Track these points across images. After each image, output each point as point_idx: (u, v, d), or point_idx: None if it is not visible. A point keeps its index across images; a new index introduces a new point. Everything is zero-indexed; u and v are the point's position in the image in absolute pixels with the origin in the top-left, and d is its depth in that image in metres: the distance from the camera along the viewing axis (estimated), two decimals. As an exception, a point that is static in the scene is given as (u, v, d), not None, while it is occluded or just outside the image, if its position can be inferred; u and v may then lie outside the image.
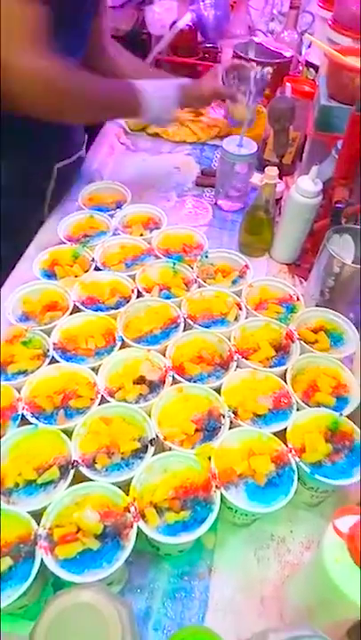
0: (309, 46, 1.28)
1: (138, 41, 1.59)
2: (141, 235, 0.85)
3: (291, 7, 1.27)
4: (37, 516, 0.50)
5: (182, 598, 0.54)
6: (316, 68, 1.15)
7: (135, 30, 1.62)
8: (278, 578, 0.55)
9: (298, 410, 0.60)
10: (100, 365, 0.63)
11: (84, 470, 0.53)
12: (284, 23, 1.35)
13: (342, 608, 0.43)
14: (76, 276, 0.77)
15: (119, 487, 0.52)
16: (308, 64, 1.19)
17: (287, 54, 1.21)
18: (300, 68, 1.25)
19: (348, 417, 0.59)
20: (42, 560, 0.47)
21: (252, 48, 1.23)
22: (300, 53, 1.29)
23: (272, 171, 0.83)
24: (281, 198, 0.96)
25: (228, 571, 0.56)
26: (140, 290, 0.75)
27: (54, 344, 0.66)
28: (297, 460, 0.55)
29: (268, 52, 1.23)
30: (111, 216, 0.88)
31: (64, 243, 0.83)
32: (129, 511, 0.50)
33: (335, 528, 0.43)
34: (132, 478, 0.52)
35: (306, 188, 0.81)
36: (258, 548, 0.58)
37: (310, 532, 0.58)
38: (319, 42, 1.00)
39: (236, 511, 0.53)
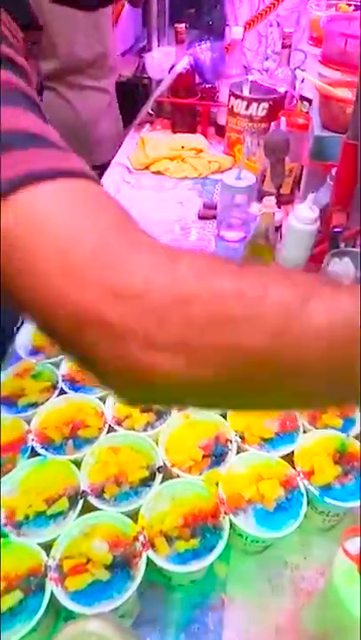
0: (303, 81, 1.33)
1: (139, 85, 1.68)
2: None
3: (283, 47, 1.32)
4: (48, 547, 0.50)
5: (196, 631, 0.53)
6: (310, 102, 1.19)
7: (136, 76, 1.71)
8: (293, 606, 0.54)
9: (305, 432, 0.60)
10: (107, 395, 0.64)
11: (92, 500, 0.54)
12: (277, 61, 1.41)
13: (357, 633, 0.42)
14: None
15: (128, 516, 0.52)
16: (302, 98, 1.23)
17: (281, 90, 1.26)
18: (295, 102, 1.29)
19: (355, 438, 0.59)
20: (52, 593, 0.47)
21: (247, 86, 1.28)
22: (295, 88, 1.34)
23: (270, 200, 0.85)
24: (281, 226, 0.99)
25: (242, 601, 0.55)
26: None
27: (63, 376, 0.67)
28: (306, 483, 0.54)
29: (263, 89, 1.28)
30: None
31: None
32: (138, 540, 0.50)
33: (344, 550, 0.42)
34: (140, 507, 0.52)
35: (303, 215, 0.83)
36: (271, 576, 0.57)
37: (325, 558, 0.57)
38: (310, 77, 1.04)
39: (246, 538, 0.53)
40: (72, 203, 0.29)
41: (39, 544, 0.50)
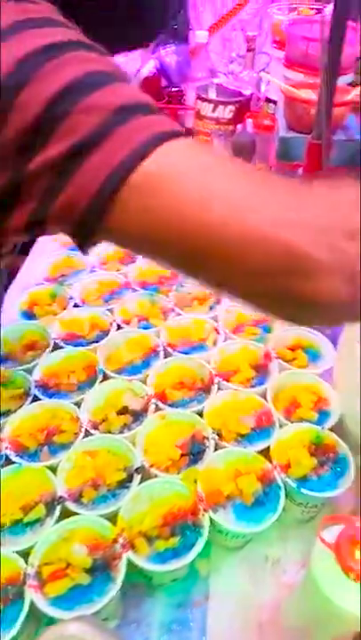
0: (268, 84, 1.35)
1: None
2: (118, 270, 0.87)
3: (247, 50, 1.34)
4: (25, 555, 0.49)
5: (179, 629, 0.52)
6: (275, 103, 1.21)
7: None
8: (275, 600, 0.54)
9: (281, 427, 0.61)
10: (82, 399, 0.64)
11: (70, 505, 0.53)
12: (242, 64, 1.43)
13: (337, 622, 0.43)
14: (55, 315, 0.78)
15: (107, 519, 0.52)
16: (268, 100, 1.26)
17: (247, 92, 1.28)
18: (261, 104, 1.31)
19: (331, 430, 0.60)
20: (32, 600, 0.46)
21: (213, 89, 1.30)
22: (260, 91, 1.36)
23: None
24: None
25: (225, 597, 0.55)
26: (119, 323, 0.76)
27: (36, 382, 0.66)
28: (283, 476, 0.55)
29: (229, 92, 1.30)
30: (88, 254, 0.90)
31: (43, 284, 0.85)
32: (117, 542, 0.50)
33: (321, 539, 0.43)
34: (119, 509, 0.52)
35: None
36: (253, 570, 0.57)
37: (305, 550, 0.58)
38: (275, 79, 1.06)
39: (226, 534, 0.53)
40: (203, 154, 0.35)
41: (17, 552, 0.49)
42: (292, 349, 0.72)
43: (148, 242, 0.34)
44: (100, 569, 0.48)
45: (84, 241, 0.35)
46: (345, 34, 0.68)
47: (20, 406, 0.64)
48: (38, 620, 0.49)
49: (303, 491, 0.53)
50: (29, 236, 0.36)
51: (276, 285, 0.32)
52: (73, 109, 0.32)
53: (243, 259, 0.32)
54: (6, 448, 0.58)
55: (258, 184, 0.34)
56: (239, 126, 1.16)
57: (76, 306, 0.80)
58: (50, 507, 0.53)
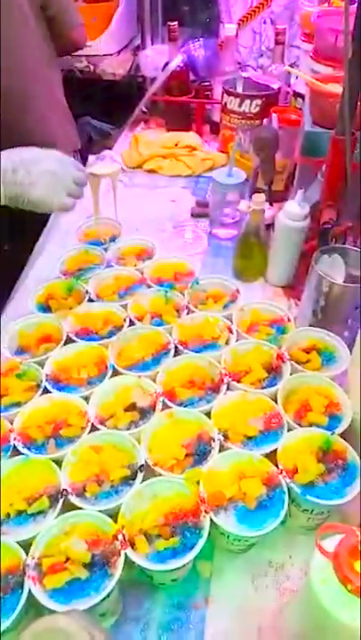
0: (297, 77, 1.32)
1: (134, 83, 1.68)
2: (135, 265, 0.87)
3: (276, 43, 1.32)
4: (27, 546, 0.50)
5: (178, 629, 0.52)
6: (303, 98, 1.18)
7: (131, 74, 1.71)
8: (276, 606, 0.54)
9: (289, 430, 0.60)
10: (91, 394, 0.64)
11: (73, 499, 0.53)
12: (271, 58, 1.40)
13: (333, 632, 0.42)
14: (70, 309, 0.79)
15: (109, 515, 0.52)
16: (296, 94, 1.23)
17: (275, 86, 1.25)
18: (289, 98, 1.28)
19: (341, 435, 0.59)
20: (32, 592, 0.47)
21: (240, 83, 1.27)
22: (289, 85, 1.33)
23: (259, 197, 0.85)
24: (273, 223, 0.98)
25: (225, 600, 0.54)
26: (133, 319, 0.76)
27: (47, 375, 0.67)
28: (288, 481, 0.54)
29: (256, 86, 1.27)
30: (105, 249, 0.91)
31: (60, 277, 0.86)
32: (117, 539, 0.50)
33: (319, 547, 0.42)
34: (121, 505, 0.52)
35: (293, 211, 0.83)
36: (256, 575, 0.56)
37: (309, 557, 0.56)
38: (300, 73, 1.04)
39: (228, 536, 0.52)
40: None
41: (19, 542, 0.50)
42: (307, 351, 0.70)
43: None
44: (99, 565, 0.49)
45: None
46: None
47: (31, 398, 0.64)
48: (38, 610, 0.50)
49: (308, 497, 0.52)
50: None
51: None
52: None
53: None
54: (15, 439, 0.59)
55: None
56: (265, 121, 1.14)
57: (90, 300, 0.81)
58: (53, 499, 0.54)
